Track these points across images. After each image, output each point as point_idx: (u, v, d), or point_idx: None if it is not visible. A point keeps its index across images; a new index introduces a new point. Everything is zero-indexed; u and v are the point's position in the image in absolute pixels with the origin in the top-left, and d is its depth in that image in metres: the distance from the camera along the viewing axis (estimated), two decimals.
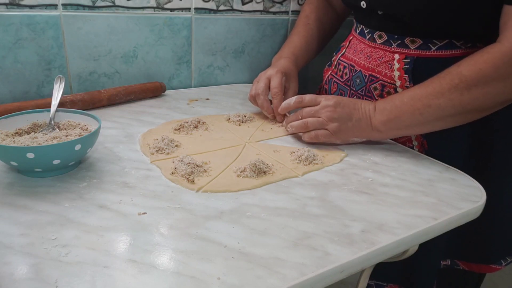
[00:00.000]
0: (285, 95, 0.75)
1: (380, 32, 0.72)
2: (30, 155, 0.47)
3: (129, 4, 0.82)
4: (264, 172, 0.55)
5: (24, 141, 0.51)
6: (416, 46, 0.67)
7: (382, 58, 0.71)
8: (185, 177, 0.52)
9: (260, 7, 0.98)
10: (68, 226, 0.42)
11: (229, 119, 0.75)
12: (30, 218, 0.43)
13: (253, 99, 0.76)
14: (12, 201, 0.46)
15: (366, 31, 0.75)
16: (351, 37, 0.82)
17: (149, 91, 0.85)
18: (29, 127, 0.57)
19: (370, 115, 0.63)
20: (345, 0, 0.80)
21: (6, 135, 0.54)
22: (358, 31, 0.79)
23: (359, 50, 0.77)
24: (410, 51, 0.68)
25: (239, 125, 0.73)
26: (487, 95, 0.56)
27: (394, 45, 0.69)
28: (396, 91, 0.69)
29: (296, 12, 1.04)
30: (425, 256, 0.67)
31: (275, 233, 0.43)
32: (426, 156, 0.65)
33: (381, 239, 0.43)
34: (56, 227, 0.42)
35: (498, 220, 0.72)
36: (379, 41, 0.72)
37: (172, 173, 0.53)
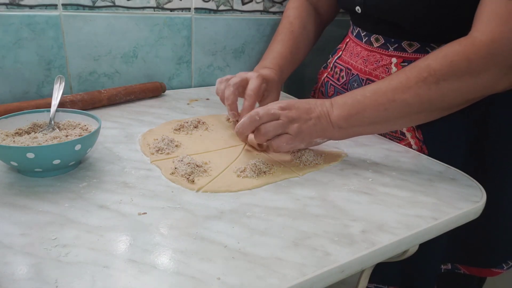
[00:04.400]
0: (262, 103, 0.70)
1: (376, 35, 0.70)
2: (30, 155, 0.47)
3: (129, 4, 0.82)
4: (264, 172, 0.55)
5: (24, 141, 0.51)
6: (414, 49, 0.66)
7: (379, 61, 0.70)
8: (185, 177, 0.52)
9: (260, 7, 0.98)
10: (68, 226, 0.42)
11: (229, 119, 0.75)
12: (30, 218, 0.43)
13: (221, 85, 0.69)
14: (12, 201, 0.46)
15: (362, 34, 0.74)
16: (347, 40, 0.81)
17: (149, 91, 0.85)
18: (29, 127, 0.57)
19: (328, 111, 0.57)
20: (341, 4, 0.78)
21: (6, 135, 0.54)
22: (354, 34, 0.77)
23: (356, 54, 0.75)
24: (407, 54, 0.66)
25: None
26: (457, 91, 0.53)
27: (391, 48, 0.68)
28: None
29: None
30: (425, 260, 0.67)
31: (275, 233, 0.43)
32: (426, 156, 0.65)
33: (381, 239, 0.43)
34: (56, 227, 0.42)
35: (499, 223, 0.71)
36: (376, 45, 0.70)
37: (172, 173, 0.53)
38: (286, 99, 0.62)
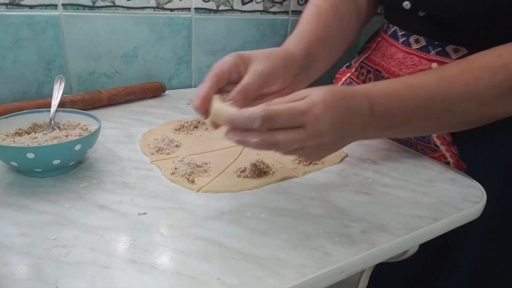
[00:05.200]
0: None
1: (417, 36, 0.62)
2: (30, 155, 0.47)
3: (129, 4, 0.82)
4: (264, 173, 0.55)
5: (24, 141, 0.51)
6: (459, 56, 0.56)
7: (417, 66, 0.61)
8: (185, 177, 0.52)
9: (260, 7, 0.98)
10: (68, 226, 0.42)
11: None
12: (30, 218, 0.43)
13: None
14: (12, 201, 0.46)
15: (400, 33, 0.65)
16: (379, 39, 0.72)
17: (149, 91, 0.85)
18: (29, 127, 0.57)
19: (364, 123, 0.45)
20: (385, 0, 0.69)
21: (6, 135, 0.54)
22: (389, 33, 0.68)
23: (389, 55, 0.67)
24: (451, 60, 0.57)
25: None
26: None
27: (433, 52, 0.59)
28: None
29: (297, 12, 1.04)
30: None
31: (275, 233, 0.43)
32: (426, 156, 0.65)
33: (382, 239, 0.43)
34: (56, 227, 0.42)
35: None
36: (415, 46, 0.62)
37: (172, 173, 0.53)
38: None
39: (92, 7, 0.79)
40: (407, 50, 0.63)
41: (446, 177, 0.58)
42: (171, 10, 0.87)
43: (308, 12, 0.63)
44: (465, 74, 0.43)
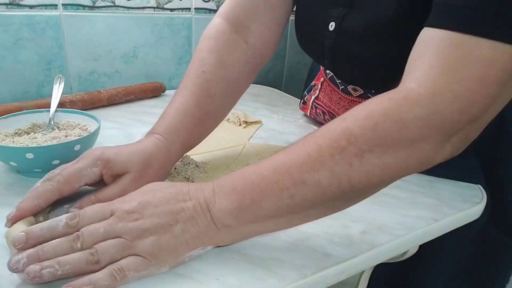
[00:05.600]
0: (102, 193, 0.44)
1: (353, 86, 0.61)
2: (30, 156, 0.47)
3: (129, 4, 0.82)
4: None
5: (24, 141, 0.51)
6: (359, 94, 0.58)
7: None
8: (185, 177, 0.52)
9: None
10: None
11: (228, 119, 0.75)
12: None
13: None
14: (12, 201, 0.46)
15: (338, 81, 0.64)
16: (322, 79, 0.71)
17: (149, 91, 0.85)
18: (29, 127, 0.57)
19: (206, 203, 0.37)
20: (306, 51, 0.64)
21: (6, 135, 0.54)
22: (328, 76, 0.67)
23: (336, 100, 0.65)
24: None
25: (239, 125, 0.73)
26: (386, 166, 0.36)
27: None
28: None
29: None
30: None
31: (275, 233, 0.43)
32: None
33: (381, 240, 0.43)
34: None
35: None
36: (355, 94, 0.61)
37: (172, 174, 0.53)
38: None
39: (92, 7, 0.79)
40: (349, 98, 0.62)
41: (446, 178, 0.58)
42: (171, 10, 0.87)
43: (192, 69, 0.53)
44: (308, 143, 0.38)
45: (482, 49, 0.34)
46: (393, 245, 0.43)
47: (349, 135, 0.36)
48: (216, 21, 0.57)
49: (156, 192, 0.38)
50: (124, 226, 0.35)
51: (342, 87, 0.62)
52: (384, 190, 0.53)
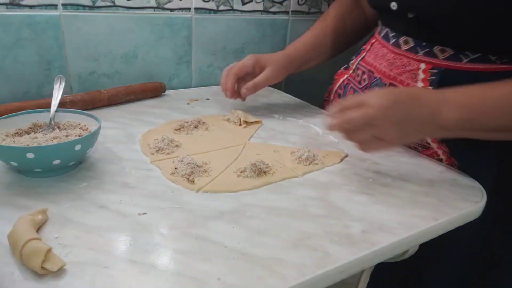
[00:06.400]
0: (245, 80, 0.76)
1: (406, 37, 0.64)
2: (30, 155, 0.47)
3: (129, 4, 0.82)
4: (264, 172, 0.55)
5: (24, 141, 0.51)
6: (446, 56, 0.59)
7: (406, 66, 0.63)
8: (185, 177, 0.52)
9: (260, 7, 0.98)
10: (68, 226, 0.42)
11: (229, 119, 0.75)
12: None
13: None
14: (12, 201, 0.46)
15: (390, 35, 0.68)
16: (373, 40, 0.76)
17: (149, 91, 0.85)
18: (29, 127, 0.57)
19: (433, 113, 0.50)
20: (372, 1, 0.72)
21: (6, 135, 0.54)
22: (382, 35, 0.71)
23: (381, 56, 0.69)
24: (438, 61, 0.60)
25: (239, 125, 0.73)
26: None
27: (421, 52, 0.62)
28: None
29: (296, 13, 1.04)
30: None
31: (276, 233, 0.43)
32: (426, 157, 0.65)
33: (382, 239, 0.43)
34: (56, 227, 0.42)
35: None
36: (404, 47, 0.64)
37: (172, 173, 0.53)
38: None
39: (92, 7, 0.79)
40: (397, 51, 0.66)
41: (447, 177, 0.58)
42: (171, 10, 0.87)
43: (317, 20, 0.82)
44: None
45: None
46: (393, 244, 0.43)
47: None
48: None
49: (400, 94, 0.51)
50: (378, 120, 0.49)
51: (394, 40, 0.67)
52: (384, 190, 0.54)
